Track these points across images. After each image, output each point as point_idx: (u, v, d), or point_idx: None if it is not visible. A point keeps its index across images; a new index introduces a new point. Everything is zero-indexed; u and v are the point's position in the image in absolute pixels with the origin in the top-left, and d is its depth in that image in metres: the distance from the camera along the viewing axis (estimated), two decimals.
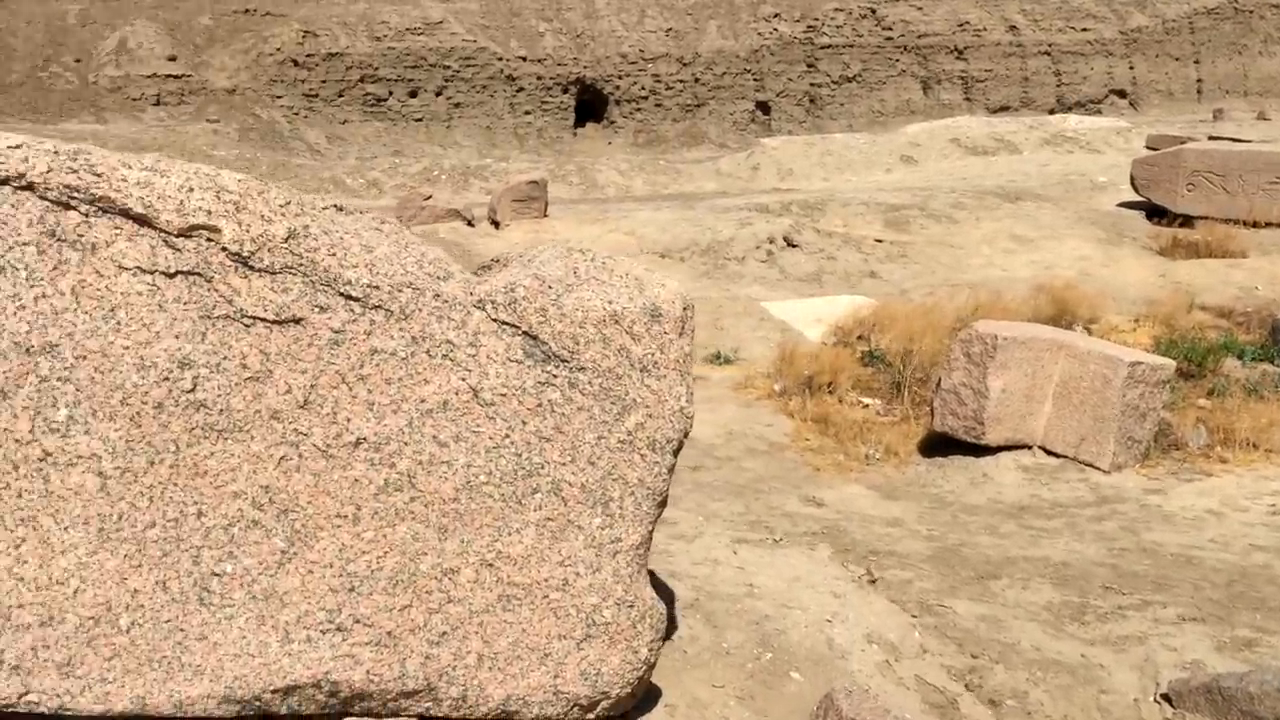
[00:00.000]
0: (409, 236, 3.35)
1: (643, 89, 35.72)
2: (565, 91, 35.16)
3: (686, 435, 3.42)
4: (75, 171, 2.80)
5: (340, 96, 32.21)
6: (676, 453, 3.41)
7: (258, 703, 2.99)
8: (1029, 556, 6.63)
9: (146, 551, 2.86)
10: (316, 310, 3.02)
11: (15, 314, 2.75)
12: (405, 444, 3.11)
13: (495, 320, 3.20)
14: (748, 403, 11.29)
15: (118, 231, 2.84)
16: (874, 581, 5.16)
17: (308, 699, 3.05)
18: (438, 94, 33.46)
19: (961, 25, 36.53)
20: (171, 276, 2.89)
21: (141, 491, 2.86)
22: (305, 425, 3.01)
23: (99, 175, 2.82)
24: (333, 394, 3.04)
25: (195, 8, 32.41)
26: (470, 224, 19.42)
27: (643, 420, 3.34)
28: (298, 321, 3.00)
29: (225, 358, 2.93)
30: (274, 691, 2.99)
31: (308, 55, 31.73)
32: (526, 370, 3.22)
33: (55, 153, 2.80)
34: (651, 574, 4.74)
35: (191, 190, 2.90)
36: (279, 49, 31.44)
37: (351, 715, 3.15)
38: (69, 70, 30.68)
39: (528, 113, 34.51)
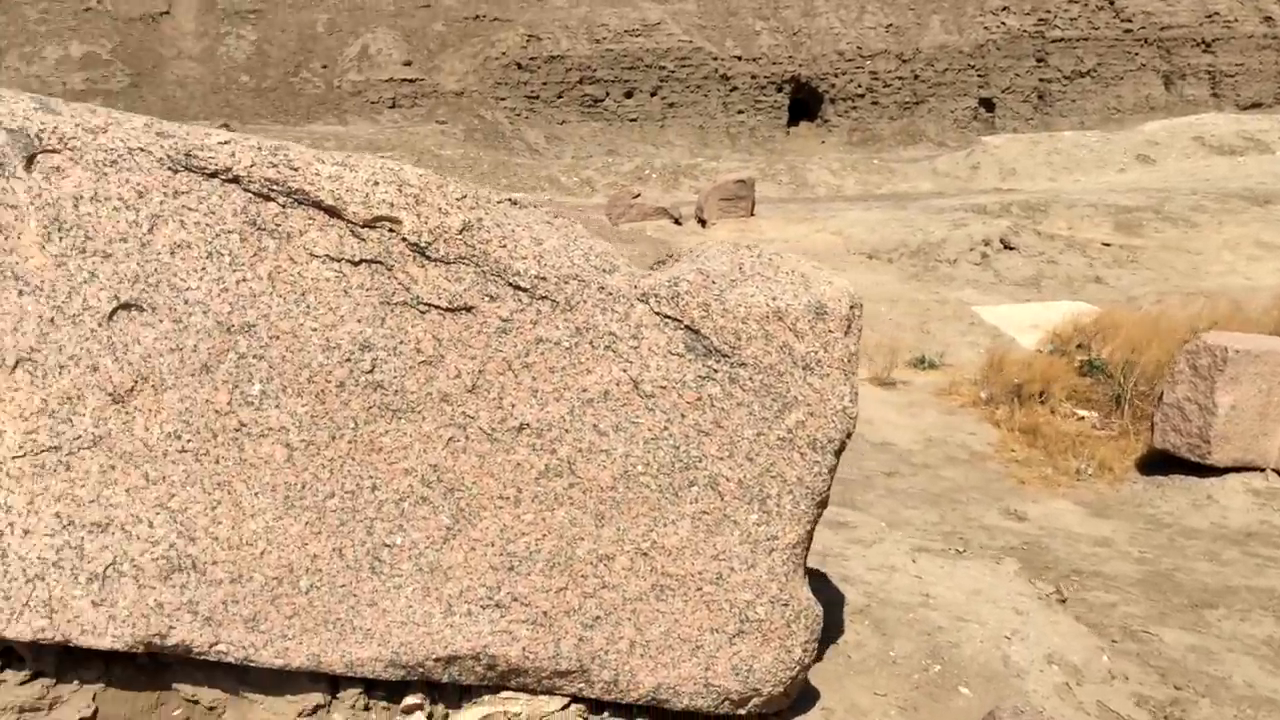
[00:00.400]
0: (579, 230, 3.44)
1: (859, 86, 35.05)
2: (779, 90, 34.95)
3: (849, 436, 3.36)
4: (275, 166, 3.03)
5: (559, 98, 33.29)
6: (838, 453, 3.35)
7: (421, 669, 3.15)
8: (1252, 587, 6.12)
9: (326, 520, 3.08)
10: (486, 299, 3.15)
11: (219, 295, 3.01)
12: (566, 431, 3.19)
13: (658, 314, 3.24)
14: (951, 409, 10.91)
15: (310, 221, 3.06)
16: (1064, 601, 4.88)
17: (467, 670, 3.20)
18: (652, 94, 34.02)
19: (1210, 16, 33.84)
20: (356, 264, 3.08)
21: (323, 464, 3.07)
22: (473, 409, 3.15)
23: (295, 169, 3.05)
24: (499, 380, 3.16)
25: (430, 15, 34.28)
26: (677, 222, 19.66)
27: (803, 418, 3.30)
28: (469, 309, 3.14)
29: (402, 342, 3.10)
30: (436, 660, 3.14)
31: (530, 58, 32.97)
32: (687, 364, 3.25)
33: (258, 148, 3.05)
34: (823, 576, 4.68)
35: (377, 184, 3.09)
36: (504, 53, 32.82)
37: (508, 689, 3.27)
38: (316, 76, 33.09)
39: (740, 112, 34.53)
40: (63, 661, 3.07)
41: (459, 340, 3.14)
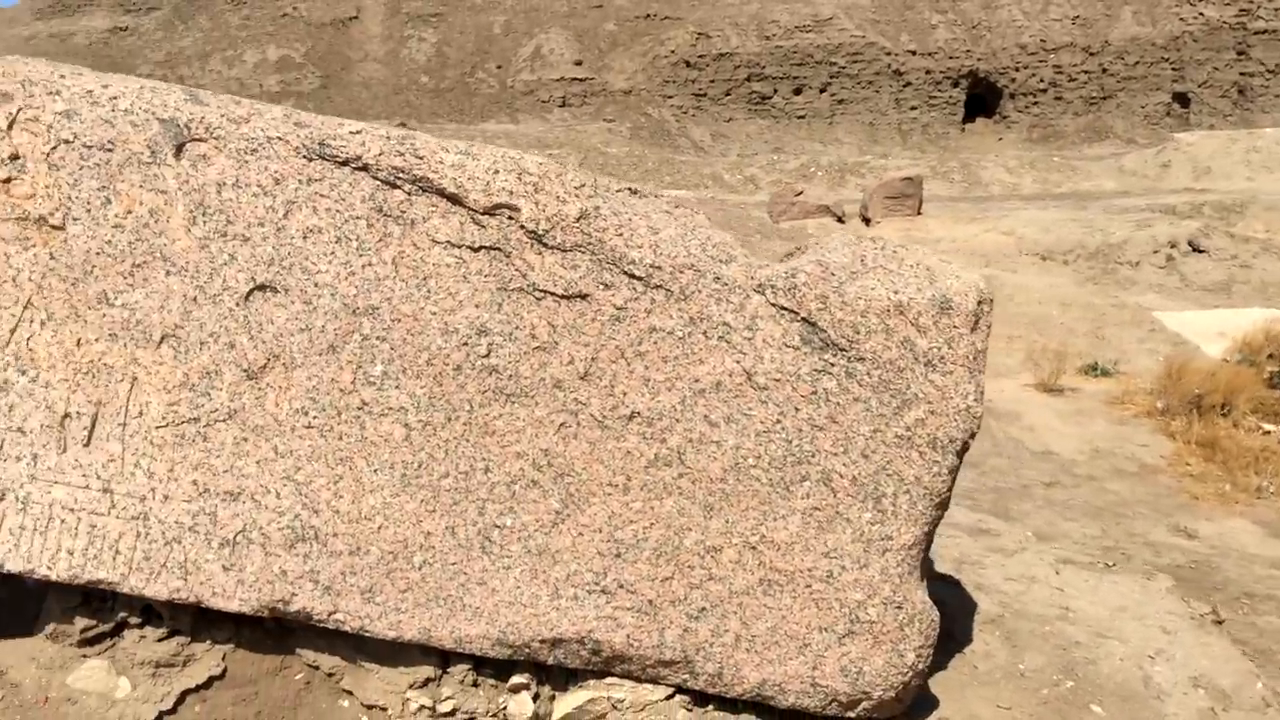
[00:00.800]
0: (699, 221, 3.42)
1: (1041, 81, 33.57)
2: (955, 85, 33.86)
3: (973, 436, 3.21)
4: (402, 154, 3.14)
5: (727, 95, 33.22)
6: (961, 454, 3.21)
7: (527, 650, 3.20)
8: None
9: (440, 499, 3.16)
10: (601, 287, 3.16)
11: (346, 279, 3.14)
12: (677, 421, 3.18)
13: (774, 305, 3.18)
14: (1121, 419, 10.33)
15: (433, 209, 3.15)
16: (1220, 622, 4.53)
17: (572, 653, 3.22)
18: (821, 90, 33.52)
19: None
20: (476, 251, 3.16)
21: (439, 444, 3.16)
22: (584, 395, 3.18)
23: (421, 158, 3.14)
24: (611, 368, 3.17)
25: (601, 15, 34.83)
26: (840, 220, 19.31)
27: (923, 416, 3.18)
28: (584, 297, 3.17)
29: (517, 327, 3.16)
30: (542, 641, 3.19)
31: (699, 56, 33.04)
32: (803, 357, 3.18)
33: (387, 138, 3.16)
34: (955, 583, 4.51)
35: (497, 172, 3.15)
36: (673, 51, 33.01)
37: (612, 675, 3.28)
38: (491, 76, 34.08)
39: (913, 108, 33.63)
40: (197, 622, 3.26)
41: (573, 327, 3.17)
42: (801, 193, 20.71)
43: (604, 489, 3.19)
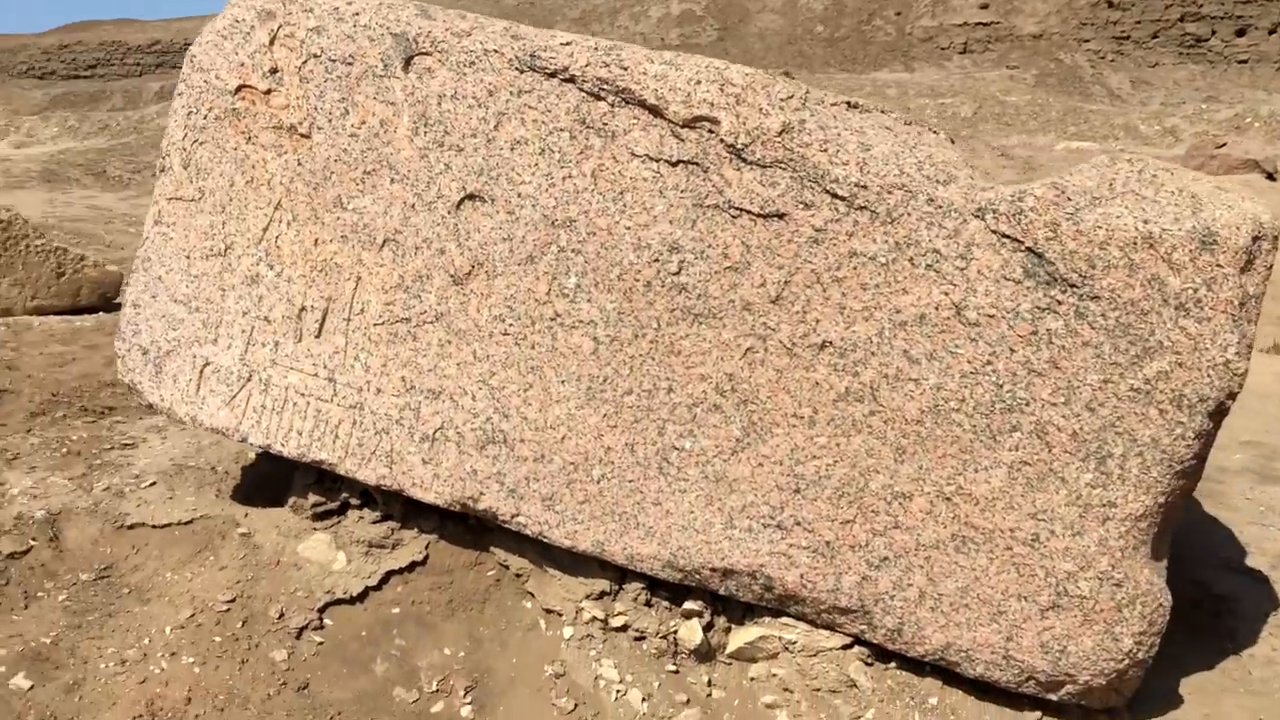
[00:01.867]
0: (927, 139, 3.10)
1: None
2: None
3: (1232, 396, 2.70)
4: (608, 65, 3.09)
5: (1154, 38, 30.01)
6: (1215, 417, 2.71)
7: (697, 576, 3.12)
8: None
9: (622, 415, 3.14)
10: (801, 207, 2.96)
11: (547, 190, 3.16)
12: (872, 354, 2.93)
13: (994, 232, 2.83)
14: None
15: (635, 121, 3.09)
16: None
17: (744, 586, 3.10)
18: (1271, 32, 29.35)
19: None
20: (674, 165, 3.06)
21: (625, 360, 3.12)
22: (774, 320, 3.00)
23: (625, 69, 3.08)
24: (805, 293, 2.98)
25: None
26: (1271, 177, 16.81)
27: (1168, 368, 2.71)
28: (781, 216, 2.98)
29: (710, 245, 3.04)
30: (712, 570, 3.09)
31: None
32: (1024, 292, 2.81)
33: (595, 48, 3.13)
34: (1264, 580, 3.85)
35: (699, 83, 3.02)
36: None
37: (787, 615, 3.13)
38: (888, 23, 33.13)
39: None
40: (407, 510, 3.48)
41: (768, 248, 3.00)
42: (1224, 145, 18.20)
43: (788, 420, 3.01)
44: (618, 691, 3.08)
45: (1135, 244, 2.72)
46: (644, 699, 3.08)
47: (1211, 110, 23.79)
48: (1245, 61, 29.52)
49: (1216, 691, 3.23)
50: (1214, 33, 30.11)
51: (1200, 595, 3.85)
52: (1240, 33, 29.85)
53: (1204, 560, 4.12)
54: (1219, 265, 2.67)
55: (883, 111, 3.23)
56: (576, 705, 3.05)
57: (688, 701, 3.10)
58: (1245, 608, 3.74)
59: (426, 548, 3.44)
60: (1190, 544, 4.21)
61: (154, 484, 3.83)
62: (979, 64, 31.88)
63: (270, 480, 3.82)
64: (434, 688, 3.14)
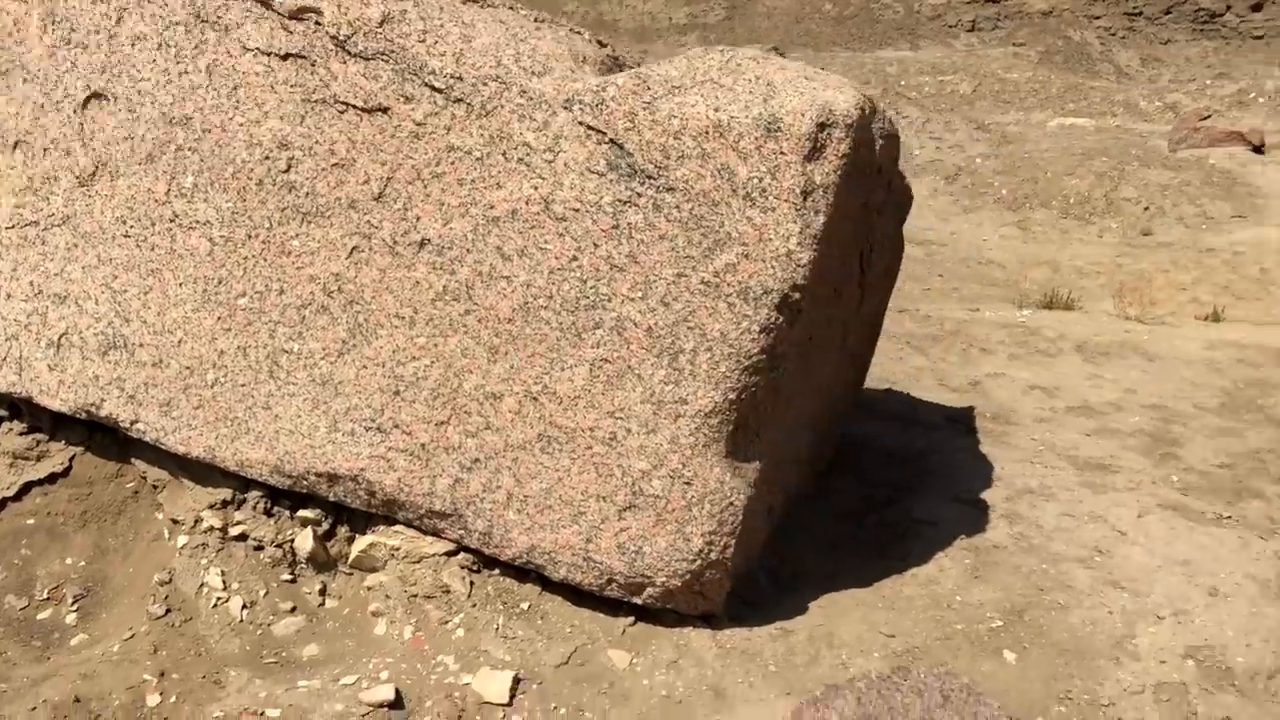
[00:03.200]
0: (542, 32, 3.01)
1: None
2: None
3: (795, 289, 2.62)
4: None
5: (1166, 14, 29.61)
6: (780, 309, 2.63)
7: (305, 482, 3.05)
8: None
9: (235, 318, 3.06)
10: (402, 100, 2.88)
11: (165, 87, 3.08)
12: (468, 251, 2.85)
13: (580, 124, 2.75)
14: None
15: (247, 14, 3.00)
16: None
17: (350, 492, 3.04)
18: None
19: None
20: (284, 59, 2.98)
21: (238, 262, 3.05)
22: (378, 218, 2.93)
23: None
24: (407, 189, 2.90)
25: None
26: (1258, 150, 16.44)
27: (736, 260, 2.64)
28: (384, 110, 2.90)
29: (317, 142, 2.96)
30: (318, 475, 3.02)
31: None
32: (606, 185, 2.73)
33: None
34: (985, 508, 3.78)
35: None
36: None
37: (397, 523, 3.06)
38: (897, 1, 32.79)
39: None
40: (57, 422, 3.42)
41: (372, 144, 2.92)
42: (1208, 117, 17.87)
43: (391, 321, 2.94)
44: (219, 599, 3.02)
45: (707, 133, 2.64)
46: (244, 606, 3.01)
47: (1216, 86, 23.50)
48: (1261, 37, 29.08)
49: (853, 605, 3.16)
50: (1229, 8, 29.66)
51: (904, 521, 3.79)
52: (1257, 7, 29.39)
53: (938, 492, 4.04)
54: (782, 153, 2.59)
55: (511, 8, 3.14)
56: (169, 611, 2.99)
57: (293, 610, 3.04)
58: (939, 533, 3.67)
59: (70, 460, 3.38)
60: (943, 477, 4.13)
61: None
62: (985, 42, 31.53)
63: None
64: (44, 595, 3.09)
